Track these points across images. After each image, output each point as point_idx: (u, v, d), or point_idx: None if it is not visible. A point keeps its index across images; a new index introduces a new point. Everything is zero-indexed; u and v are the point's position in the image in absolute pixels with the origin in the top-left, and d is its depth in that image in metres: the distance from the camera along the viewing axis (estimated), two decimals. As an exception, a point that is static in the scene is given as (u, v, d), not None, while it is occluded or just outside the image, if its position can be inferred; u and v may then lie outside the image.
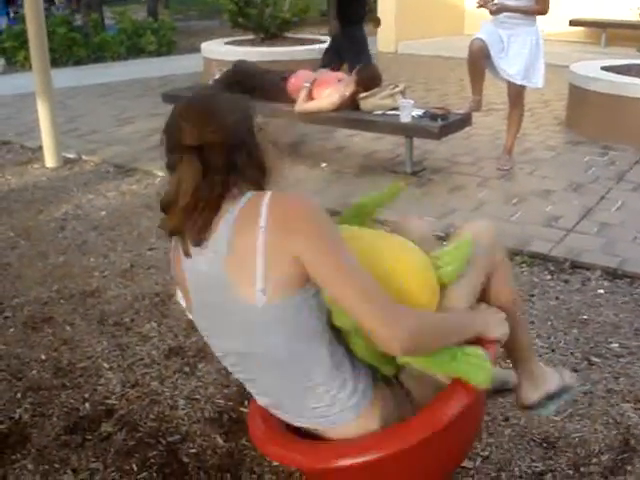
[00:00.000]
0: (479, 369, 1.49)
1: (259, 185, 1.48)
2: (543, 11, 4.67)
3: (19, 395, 2.56)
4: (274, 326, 1.41)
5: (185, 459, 2.22)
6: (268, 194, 1.41)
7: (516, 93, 4.98)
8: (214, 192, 1.41)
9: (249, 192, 1.44)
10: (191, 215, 1.41)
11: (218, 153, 1.41)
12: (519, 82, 4.82)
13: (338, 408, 1.49)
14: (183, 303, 1.59)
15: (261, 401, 1.60)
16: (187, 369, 2.70)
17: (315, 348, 1.45)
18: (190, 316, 1.60)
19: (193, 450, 2.26)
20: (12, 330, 3.02)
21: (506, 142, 5.20)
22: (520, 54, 4.72)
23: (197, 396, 2.52)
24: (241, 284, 1.38)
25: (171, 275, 1.59)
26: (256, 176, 1.48)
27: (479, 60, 4.80)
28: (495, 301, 1.82)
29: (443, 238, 3.84)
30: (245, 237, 1.38)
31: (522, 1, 4.65)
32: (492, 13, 4.74)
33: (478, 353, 1.52)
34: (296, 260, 1.36)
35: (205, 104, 1.47)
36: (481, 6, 4.80)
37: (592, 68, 6.33)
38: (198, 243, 1.43)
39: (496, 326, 1.65)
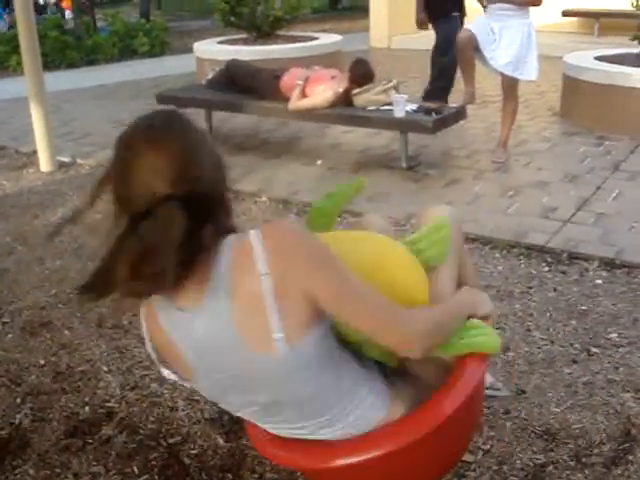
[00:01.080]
0: (488, 337, 1.56)
1: (229, 230, 1.34)
2: (537, 2, 4.65)
3: (19, 400, 2.55)
4: (300, 368, 1.33)
5: (186, 460, 2.22)
6: (254, 234, 1.28)
7: (509, 85, 4.97)
8: (199, 247, 1.25)
9: (226, 238, 1.30)
10: (179, 278, 1.24)
11: (202, 202, 1.24)
12: (510, 74, 4.81)
13: (363, 413, 1.48)
14: (174, 377, 1.44)
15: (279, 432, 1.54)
16: (186, 370, 2.69)
17: (341, 372, 1.43)
18: (188, 385, 1.46)
19: (194, 451, 2.26)
20: (10, 336, 3.02)
21: (501, 134, 5.19)
22: (511, 45, 4.70)
23: (197, 397, 2.51)
24: (254, 337, 1.29)
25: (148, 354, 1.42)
26: (227, 221, 1.35)
27: (467, 51, 4.78)
28: (464, 284, 1.84)
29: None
30: (246, 287, 1.26)
31: None
32: (485, 5, 4.77)
33: (479, 325, 1.57)
34: (307, 296, 1.27)
35: (175, 138, 1.25)
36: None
37: (585, 58, 6.32)
38: (191, 307, 1.30)
39: (482, 304, 1.66)
